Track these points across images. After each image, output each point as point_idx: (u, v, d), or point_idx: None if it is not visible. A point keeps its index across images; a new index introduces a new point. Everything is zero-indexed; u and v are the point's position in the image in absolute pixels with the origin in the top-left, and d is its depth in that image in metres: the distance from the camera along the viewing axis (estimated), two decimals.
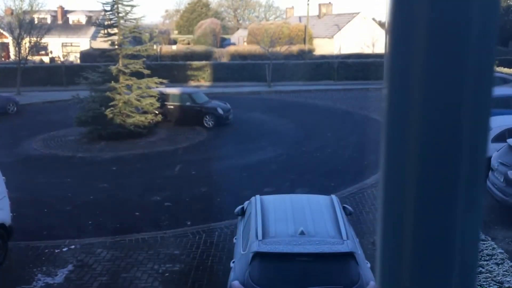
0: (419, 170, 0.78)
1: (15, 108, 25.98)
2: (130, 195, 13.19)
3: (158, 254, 9.68)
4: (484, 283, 7.86)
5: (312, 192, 11.13)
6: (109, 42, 21.51)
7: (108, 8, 20.54)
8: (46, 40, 38.93)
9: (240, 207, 9.08)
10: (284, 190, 12.12)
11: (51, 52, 48.77)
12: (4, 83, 32.10)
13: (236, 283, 6.63)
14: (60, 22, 51.63)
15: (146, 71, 21.18)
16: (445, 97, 0.76)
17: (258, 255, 6.77)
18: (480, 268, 8.21)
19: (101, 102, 19.70)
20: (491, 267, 8.34)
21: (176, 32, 67.32)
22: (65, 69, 35.62)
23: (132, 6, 20.60)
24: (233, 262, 7.30)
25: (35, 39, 31.94)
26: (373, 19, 51.41)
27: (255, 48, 40.54)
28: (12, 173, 12.25)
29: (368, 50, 42.25)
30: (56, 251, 9.86)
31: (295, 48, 41.10)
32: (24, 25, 31.47)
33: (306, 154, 17.15)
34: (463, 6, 0.74)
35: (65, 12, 53.73)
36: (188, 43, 52.54)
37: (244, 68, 37.08)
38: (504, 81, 23.65)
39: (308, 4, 44.07)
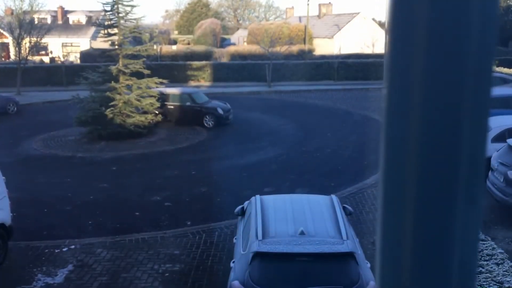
0: (419, 170, 0.78)
1: (15, 108, 25.98)
2: (130, 195, 13.19)
3: (158, 254, 9.68)
4: (484, 283, 7.86)
5: (312, 192, 11.12)
6: (109, 42, 21.52)
7: (108, 8, 20.55)
8: (46, 40, 38.93)
9: (240, 207, 9.08)
10: (284, 190, 12.12)
11: (51, 52, 48.78)
12: (4, 83, 32.10)
13: (236, 283, 6.63)
14: (60, 22, 51.64)
15: (146, 71, 21.19)
16: (444, 97, 0.76)
17: (258, 255, 6.77)
18: (480, 268, 8.21)
19: (101, 102, 19.71)
20: (491, 267, 8.34)
21: (176, 32, 67.32)
22: (65, 69, 35.61)
23: (132, 6, 20.61)
24: (233, 262, 7.30)
25: (35, 39, 31.94)
26: (373, 19, 51.43)
27: (255, 48, 40.54)
28: (12, 173, 12.25)
29: (368, 50, 42.24)
30: (56, 251, 9.86)
31: (295, 48, 41.09)
32: (24, 25, 31.47)
33: (306, 154, 17.15)
34: (463, 6, 0.74)
35: (65, 12, 53.74)
36: (188, 43, 52.55)
37: (244, 68, 37.07)
38: (504, 81, 23.65)
39: (308, 4, 44.08)
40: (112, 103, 19.54)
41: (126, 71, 20.40)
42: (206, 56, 41.24)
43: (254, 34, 44.41)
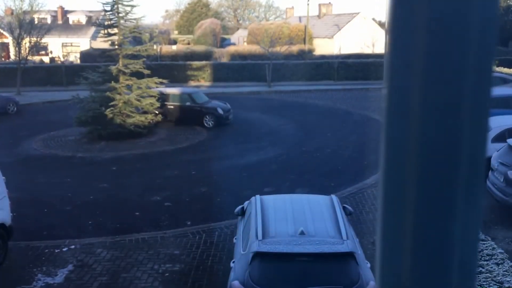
0: (419, 170, 0.78)
1: (15, 108, 25.98)
2: (130, 195, 13.19)
3: (158, 254, 9.68)
4: (484, 283, 7.86)
5: (312, 192, 11.12)
6: (109, 42, 21.52)
7: (108, 8, 20.55)
8: (46, 40, 38.93)
9: (240, 207, 9.08)
10: (284, 190, 12.12)
11: (51, 52, 48.78)
12: (4, 83, 32.11)
13: (236, 283, 6.63)
14: (60, 22, 51.64)
15: (146, 71, 21.19)
16: (444, 97, 0.76)
17: (258, 255, 6.77)
18: (480, 268, 8.21)
19: (101, 102, 19.71)
20: (491, 267, 8.34)
21: (176, 32, 67.31)
22: (65, 69, 35.61)
23: (132, 6, 20.61)
24: (233, 262, 7.30)
25: (35, 39, 31.95)
26: (373, 19, 51.43)
27: (255, 48, 40.54)
28: (12, 173, 12.25)
29: (368, 50, 42.24)
30: (56, 251, 9.86)
31: (295, 48, 41.09)
32: (24, 25, 31.47)
33: (306, 154, 17.15)
34: (463, 6, 0.74)
35: (65, 12, 53.74)
36: (188, 43, 52.54)
37: (244, 68, 37.08)
38: (504, 81, 23.64)
39: (308, 4, 44.09)
40: (112, 103, 19.54)
41: (126, 71, 20.40)
42: (206, 56, 41.24)
43: (254, 34, 44.41)
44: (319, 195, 9.27)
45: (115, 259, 9.50)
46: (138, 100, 20.21)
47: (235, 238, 8.33)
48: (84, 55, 40.93)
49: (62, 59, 47.54)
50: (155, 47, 34.39)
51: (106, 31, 21.13)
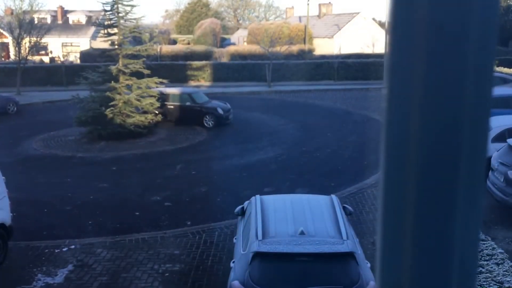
0: (419, 170, 0.78)
1: (15, 108, 25.98)
2: (130, 195, 13.19)
3: (158, 254, 9.69)
4: (484, 283, 7.86)
5: (312, 192, 11.13)
6: (109, 42, 21.53)
7: (108, 8, 20.55)
8: (46, 40, 38.94)
9: (240, 207, 9.08)
10: (284, 190, 12.13)
11: (51, 52, 48.78)
12: (4, 83, 32.11)
13: (236, 283, 6.63)
14: (60, 22, 51.64)
15: (146, 71, 21.18)
16: (445, 97, 0.76)
17: (258, 255, 6.77)
18: (480, 268, 8.21)
19: (101, 102, 19.71)
20: (491, 267, 8.34)
21: (176, 32, 67.30)
22: (65, 69, 35.60)
23: (132, 6, 20.62)
24: (233, 262, 7.30)
25: (35, 39, 31.95)
26: (373, 19, 51.40)
27: (255, 48, 40.53)
28: (12, 173, 12.26)
29: (368, 50, 42.23)
30: (56, 251, 9.86)
31: (295, 48, 41.09)
32: (24, 25, 31.47)
33: (306, 154, 17.15)
34: (463, 6, 0.74)
35: (65, 12, 53.73)
36: (188, 43, 52.52)
37: (244, 68, 37.08)
38: (504, 81, 23.65)
39: (308, 4, 44.09)
40: (112, 103, 19.54)
41: (126, 71, 20.40)
42: (206, 56, 41.23)
43: (254, 34, 44.41)
44: (319, 195, 9.27)
45: (115, 259, 9.50)
46: (138, 100, 20.21)
47: (235, 238, 8.33)
48: (84, 55, 40.92)
49: (62, 59, 47.54)
50: (155, 47, 34.36)
51: (106, 31, 21.13)
